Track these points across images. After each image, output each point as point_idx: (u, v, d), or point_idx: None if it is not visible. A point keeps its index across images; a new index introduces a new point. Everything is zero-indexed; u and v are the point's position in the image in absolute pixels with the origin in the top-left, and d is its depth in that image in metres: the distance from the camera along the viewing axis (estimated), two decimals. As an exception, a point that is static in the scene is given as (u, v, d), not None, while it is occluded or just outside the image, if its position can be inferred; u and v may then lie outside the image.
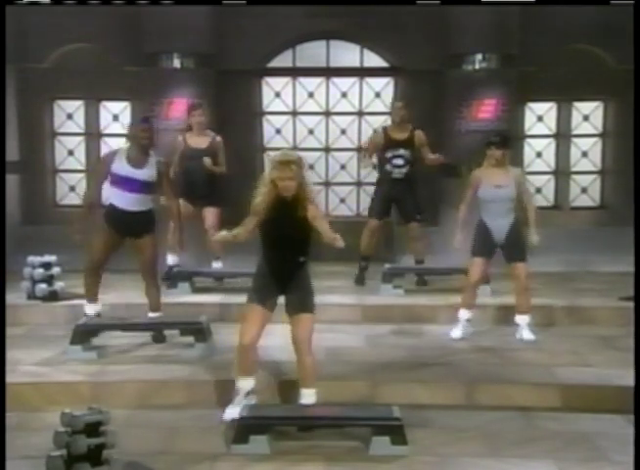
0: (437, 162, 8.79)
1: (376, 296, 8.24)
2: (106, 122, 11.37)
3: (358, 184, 11.46)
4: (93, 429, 4.40)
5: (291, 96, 11.39)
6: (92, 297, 7.05)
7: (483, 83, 10.21)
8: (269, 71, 11.31)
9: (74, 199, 11.33)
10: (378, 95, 11.38)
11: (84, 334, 6.50)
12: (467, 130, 10.22)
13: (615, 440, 5.16)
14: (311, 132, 11.44)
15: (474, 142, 9.54)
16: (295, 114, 11.40)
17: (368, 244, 8.79)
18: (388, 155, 8.69)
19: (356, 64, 11.30)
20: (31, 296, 7.91)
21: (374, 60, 11.27)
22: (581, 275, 9.33)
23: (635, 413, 5.05)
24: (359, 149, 11.19)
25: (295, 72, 11.32)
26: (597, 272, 9.44)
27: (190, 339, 6.61)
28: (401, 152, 8.65)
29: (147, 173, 6.82)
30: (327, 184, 11.39)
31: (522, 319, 7.13)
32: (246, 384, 5.37)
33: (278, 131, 11.42)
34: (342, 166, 11.49)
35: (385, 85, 11.35)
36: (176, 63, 10.27)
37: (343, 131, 11.44)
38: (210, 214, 8.64)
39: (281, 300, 5.38)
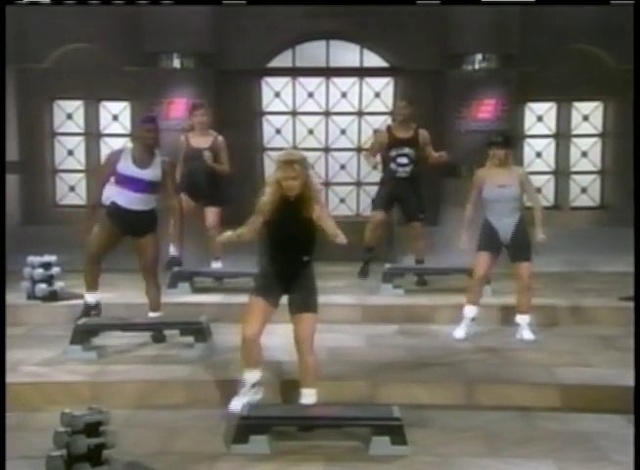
0: (442, 160, 8.80)
1: (376, 296, 8.24)
2: (105, 122, 11.37)
3: (358, 184, 11.46)
4: (93, 429, 4.39)
5: (290, 96, 11.39)
6: (91, 286, 7.12)
7: (483, 83, 10.22)
8: (269, 71, 11.32)
9: (74, 199, 11.36)
10: (377, 95, 11.38)
11: (84, 334, 6.49)
12: (467, 130, 10.23)
13: (615, 440, 5.16)
14: (311, 132, 11.44)
15: (474, 142, 9.57)
16: (294, 114, 11.40)
17: (372, 235, 8.84)
18: (393, 154, 8.71)
19: (356, 64, 11.30)
20: (31, 296, 7.90)
21: (374, 60, 11.27)
22: (581, 275, 9.33)
23: (635, 413, 5.04)
24: (359, 150, 11.24)
25: (294, 72, 11.32)
26: (597, 272, 9.44)
27: (190, 339, 6.60)
28: (406, 151, 8.67)
29: (152, 173, 6.83)
30: (327, 184, 11.39)
31: (522, 319, 7.13)
32: (251, 376, 5.38)
33: (278, 131, 11.43)
34: (342, 166, 11.49)
35: (384, 85, 11.35)
36: (176, 63, 10.28)
37: (343, 131, 11.44)
38: (211, 214, 8.66)
39: (283, 299, 5.38)
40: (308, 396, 5.28)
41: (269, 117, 11.44)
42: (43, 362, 6.34)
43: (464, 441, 5.16)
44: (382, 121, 10.90)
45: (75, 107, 11.34)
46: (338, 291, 8.25)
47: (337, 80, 11.35)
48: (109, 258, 7.18)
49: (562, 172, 11.50)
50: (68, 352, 6.45)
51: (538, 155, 11.48)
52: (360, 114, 11.40)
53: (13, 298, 7.77)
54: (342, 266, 8.92)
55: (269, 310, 5.32)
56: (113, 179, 6.98)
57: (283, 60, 11.29)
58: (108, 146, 10.93)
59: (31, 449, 4.81)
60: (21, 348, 6.68)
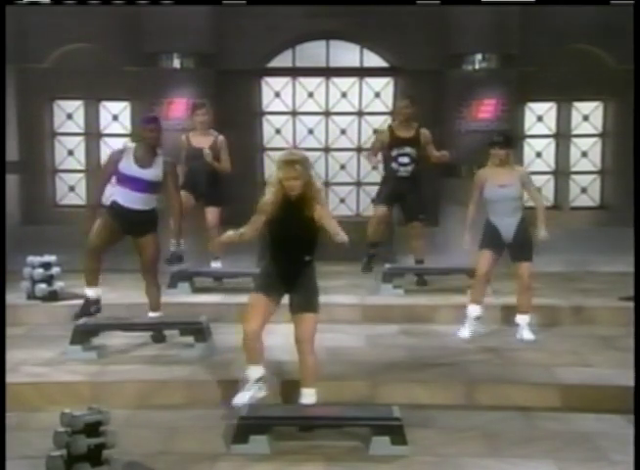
0: (443, 159, 8.81)
1: (376, 296, 8.24)
2: (105, 122, 11.36)
3: (358, 184, 11.46)
4: (93, 429, 4.40)
5: (290, 96, 11.39)
6: (92, 281, 7.12)
7: (483, 83, 10.22)
8: (269, 71, 11.31)
9: (74, 199, 11.36)
10: (377, 95, 11.37)
11: (84, 334, 6.50)
12: (467, 130, 10.22)
13: (615, 440, 5.16)
14: (311, 132, 11.43)
15: (474, 142, 9.57)
16: (294, 114, 11.40)
17: (375, 230, 8.85)
18: (394, 153, 8.72)
19: (356, 64, 11.30)
20: (31, 296, 7.91)
21: (374, 60, 11.27)
22: (581, 275, 9.33)
23: (635, 413, 5.05)
24: (359, 150, 11.23)
25: (294, 72, 11.32)
26: (597, 272, 9.44)
27: (190, 339, 6.60)
28: (407, 150, 8.68)
29: (153, 173, 6.83)
30: (327, 184, 11.38)
31: (522, 319, 7.13)
32: (254, 372, 5.38)
33: (278, 131, 11.42)
34: (342, 166, 11.49)
35: (384, 85, 11.35)
36: (176, 63, 10.27)
37: (343, 131, 11.43)
38: (211, 214, 8.65)
39: (284, 299, 5.38)
40: (308, 396, 5.29)
41: (269, 117, 11.43)
42: (43, 362, 6.34)
43: (464, 441, 5.17)
44: (382, 121, 10.90)
45: (75, 107, 11.33)
46: (338, 291, 8.25)
47: (337, 80, 11.34)
48: (109, 259, 7.19)
49: (562, 172, 11.49)
50: (68, 352, 6.45)
51: (538, 155, 11.47)
52: (360, 114, 11.39)
53: (13, 298, 7.77)
54: (343, 266, 8.92)
55: (271, 307, 5.32)
56: (114, 179, 6.98)
57: (283, 60, 11.28)
58: (108, 146, 10.92)
59: (31, 449, 4.82)
60: (21, 348, 6.69)
